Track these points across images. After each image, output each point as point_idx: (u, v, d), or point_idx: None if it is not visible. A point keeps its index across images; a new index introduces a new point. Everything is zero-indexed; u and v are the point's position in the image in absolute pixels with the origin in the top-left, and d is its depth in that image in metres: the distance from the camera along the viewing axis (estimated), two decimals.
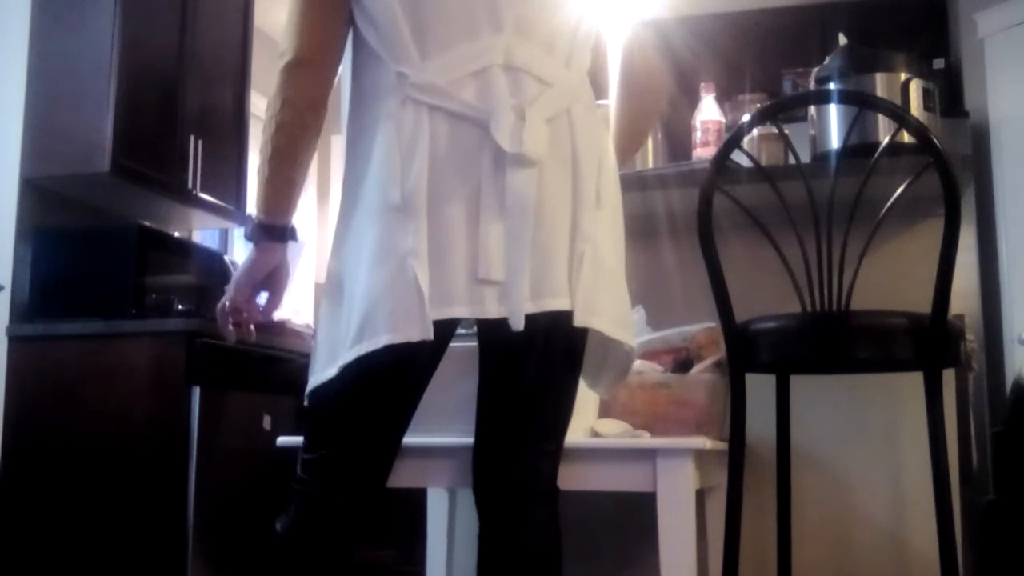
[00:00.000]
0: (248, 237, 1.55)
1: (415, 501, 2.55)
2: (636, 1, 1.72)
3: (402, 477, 1.88)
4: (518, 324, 1.41)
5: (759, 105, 2.54)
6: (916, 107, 2.30)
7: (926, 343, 1.84)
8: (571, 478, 1.86)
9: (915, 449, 2.23)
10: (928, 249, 1.98)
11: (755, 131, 2.45)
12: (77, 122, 3.47)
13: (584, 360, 1.59)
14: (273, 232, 1.52)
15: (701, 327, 2.20)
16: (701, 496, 2.18)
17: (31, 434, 3.30)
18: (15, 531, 3.26)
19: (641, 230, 2.54)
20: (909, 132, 1.89)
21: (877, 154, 1.88)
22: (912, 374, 1.92)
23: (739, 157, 2.04)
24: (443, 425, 1.89)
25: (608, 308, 1.50)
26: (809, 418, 2.32)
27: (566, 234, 1.46)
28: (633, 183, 2.40)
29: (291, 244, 1.56)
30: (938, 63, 4.86)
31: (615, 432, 1.99)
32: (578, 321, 1.45)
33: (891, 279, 2.26)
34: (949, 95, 4.66)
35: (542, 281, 1.43)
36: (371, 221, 1.43)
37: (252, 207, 1.55)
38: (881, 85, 2.32)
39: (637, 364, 2.18)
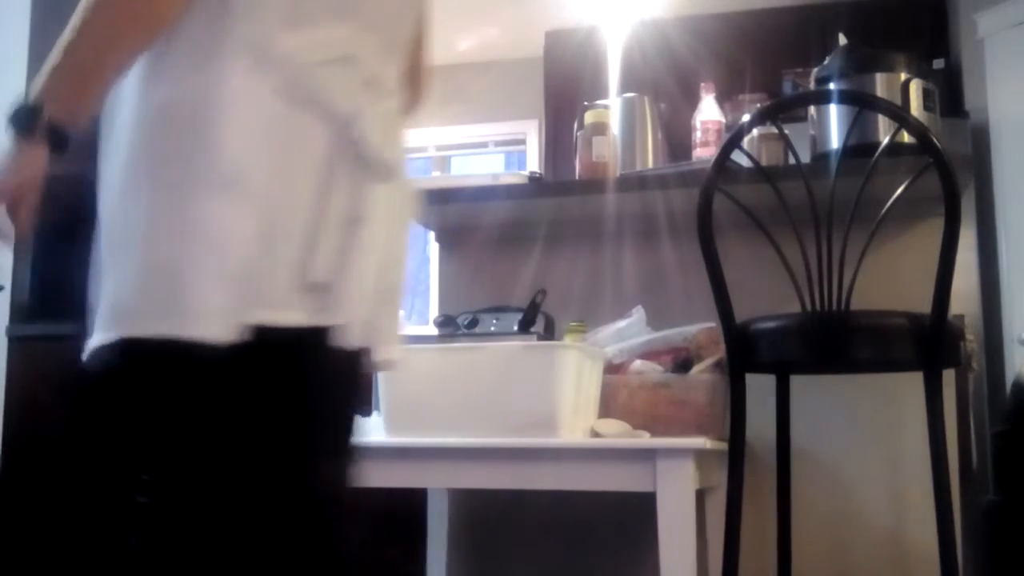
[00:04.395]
0: (21, 128, 1.19)
1: (415, 501, 2.55)
2: (636, 1, 1.71)
3: (402, 477, 1.88)
4: (355, 340, 1.27)
5: (759, 105, 2.53)
6: (916, 107, 2.30)
7: (926, 343, 1.84)
8: (571, 478, 1.87)
9: (915, 449, 2.23)
10: (928, 249, 1.98)
11: (755, 131, 2.45)
12: None
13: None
14: (59, 137, 1.21)
15: (701, 327, 2.20)
16: (701, 496, 2.18)
17: (31, 434, 3.29)
18: (15, 530, 3.25)
19: (641, 230, 2.55)
20: (909, 132, 1.90)
21: (877, 154, 1.88)
22: (912, 374, 1.92)
23: (739, 157, 2.05)
24: (443, 425, 1.89)
25: (394, 336, 1.40)
26: (809, 418, 2.32)
27: (395, 248, 1.37)
28: (633, 183, 2.40)
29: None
30: (938, 63, 4.85)
31: (615, 432, 1.99)
32: (371, 349, 1.33)
33: (891, 279, 2.26)
34: (949, 95, 4.65)
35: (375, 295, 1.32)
36: (190, 189, 1.20)
37: (35, 92, 1.19)
38: (881, 85, 2.32)
39: (637, 364, 2.18)
